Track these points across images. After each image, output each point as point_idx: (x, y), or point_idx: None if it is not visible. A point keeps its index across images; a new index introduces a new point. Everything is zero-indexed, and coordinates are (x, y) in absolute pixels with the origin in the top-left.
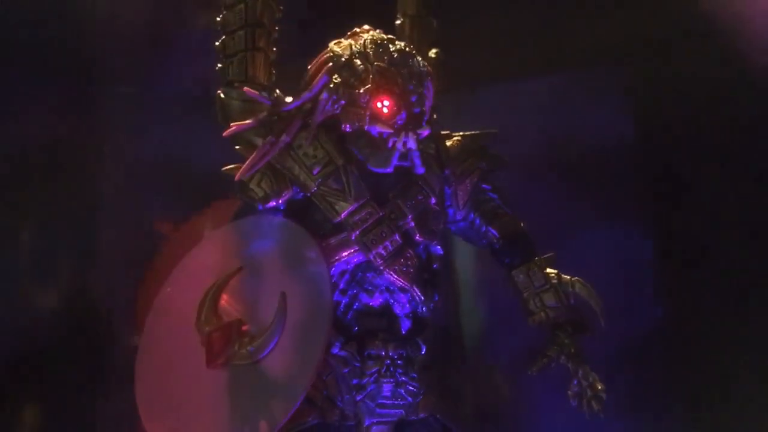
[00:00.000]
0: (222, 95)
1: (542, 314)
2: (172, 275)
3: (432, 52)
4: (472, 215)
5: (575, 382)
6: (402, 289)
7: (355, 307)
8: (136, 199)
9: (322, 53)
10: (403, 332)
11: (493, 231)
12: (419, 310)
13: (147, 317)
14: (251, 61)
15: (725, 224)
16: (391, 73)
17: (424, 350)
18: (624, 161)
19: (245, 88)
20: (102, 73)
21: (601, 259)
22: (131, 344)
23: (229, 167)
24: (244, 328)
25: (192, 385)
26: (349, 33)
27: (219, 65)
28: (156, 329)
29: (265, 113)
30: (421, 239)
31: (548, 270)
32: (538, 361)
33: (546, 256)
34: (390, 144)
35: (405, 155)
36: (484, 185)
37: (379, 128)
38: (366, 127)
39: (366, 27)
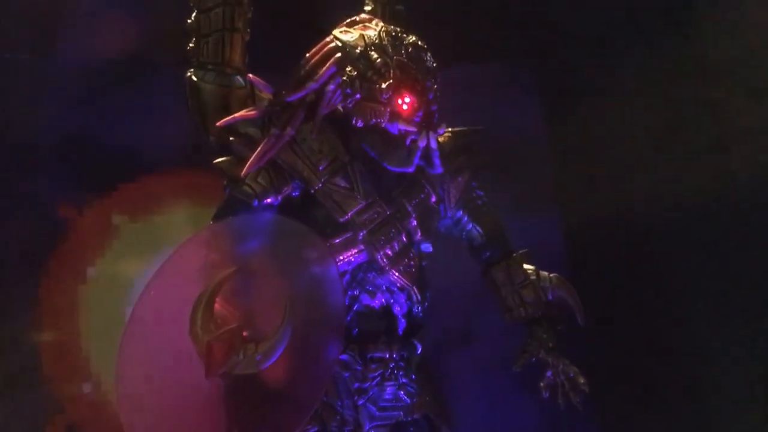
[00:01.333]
0: (194, 77)
1: (521, 310)
2: (154, 278)
3: None
4: (460, 212)
5: (549, 374)
6: (401, 289)
7: (355, 308)
8: (31, 181)
9: (325, 41)
10: (400, 333)
11: (479, 228)
12: (414, 309)
13: (127, 323)
14: (228, 42)
15: (633, 217)
16: (410, 68)
17: (419, 350)
18: (533, 153)
19: (251, 76)
20: None
21: None
22: (30, 341)
23: (221, 160)
24: (245, 334)
25: (184, 395)
26: (348, 20)
27: (190, 45)
28: (138, 337)
29: (265, 103)
30: (420, 238)
31: (526, 266)
32: (520, 357)
33: (522, 252)
34: (408, 142)
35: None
36: (473, 183)
37: (401, 126)
38: (384, 124)
39: (365, 15)
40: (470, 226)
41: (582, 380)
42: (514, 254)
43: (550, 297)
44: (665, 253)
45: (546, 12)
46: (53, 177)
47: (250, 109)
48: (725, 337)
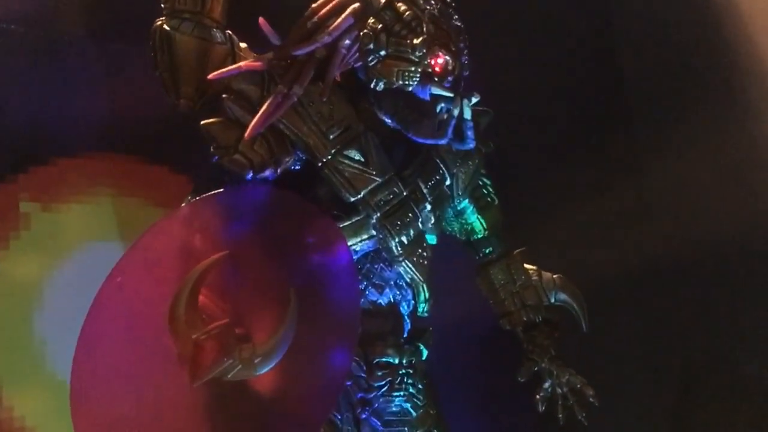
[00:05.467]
0: (166, 27)
1: (521, 314)
2: (120, 264)
3: None
4: (466, 202)
5: (547, 385)
6: (409, 285)
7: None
8: None
9: None
10: (405, 335)
11: (483, 221)
12: (419, 309)
13: (86, 316)
14: None
15: None
16: (443, 24)
17: (425, 355)
18: None
19: (261, 20)
20: None
21: None
22: None
23: (209, 121)
24: (237, 331)
25: (158, 407)
26: None
27: None
28: (101, 332)
29: (270, 56)
30: (431, 227)
31: (527, 266)
32: (525, 367)
33: (521, 249)
34: (439, 109)
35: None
36: (482, 170)
37: (434, 89)
38: (413, 88)
39: None
40: (474, 218)
41: (591, 392)
42: (514, 252)
43: (552, 300)
44: None
45: None
46: None
47: (254, 59)
48: None
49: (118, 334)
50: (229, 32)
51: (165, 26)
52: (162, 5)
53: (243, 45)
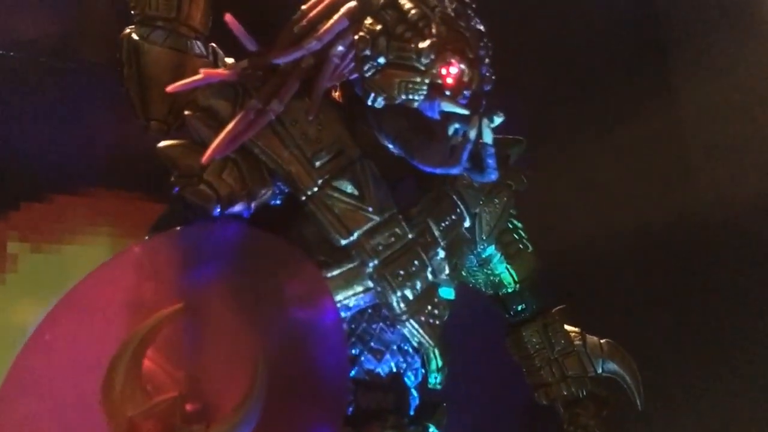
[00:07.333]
0: (135, 36)
1: (561, 386)
2: (52, 314)
3: None
4: (492, 248)
5: None
6: (417, 350)
7: (353, 375)
8: None
9: None
10: (411, 413)
11: (513, 272)
12: (430, 380)
13: (3, 383)
14: None
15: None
16: (458, 26)
17: None
18: None
19: (228, 17)
20: None
21: None
22: None
23: (168, 143)
24: (189, 407)
25: None
26: None
27: None
28: (19, 403)
29: (244, 64)
30: (445, 278)
31: (568, 327)
32: None
33: (560, 307)
34: (452, 131)
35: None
36: (512, 210)
37: (445, 105)
38: (420, 104)
39: None
40: (502, 268)
41: None
42: (552, 310)
43: (599, 370)
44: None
45: None
46: None
47: (225, 68)
48: None
49: (40, 407)
50: (213, 45)
51: (134, 35)
52: (132, 12)
53: (230, 60)
